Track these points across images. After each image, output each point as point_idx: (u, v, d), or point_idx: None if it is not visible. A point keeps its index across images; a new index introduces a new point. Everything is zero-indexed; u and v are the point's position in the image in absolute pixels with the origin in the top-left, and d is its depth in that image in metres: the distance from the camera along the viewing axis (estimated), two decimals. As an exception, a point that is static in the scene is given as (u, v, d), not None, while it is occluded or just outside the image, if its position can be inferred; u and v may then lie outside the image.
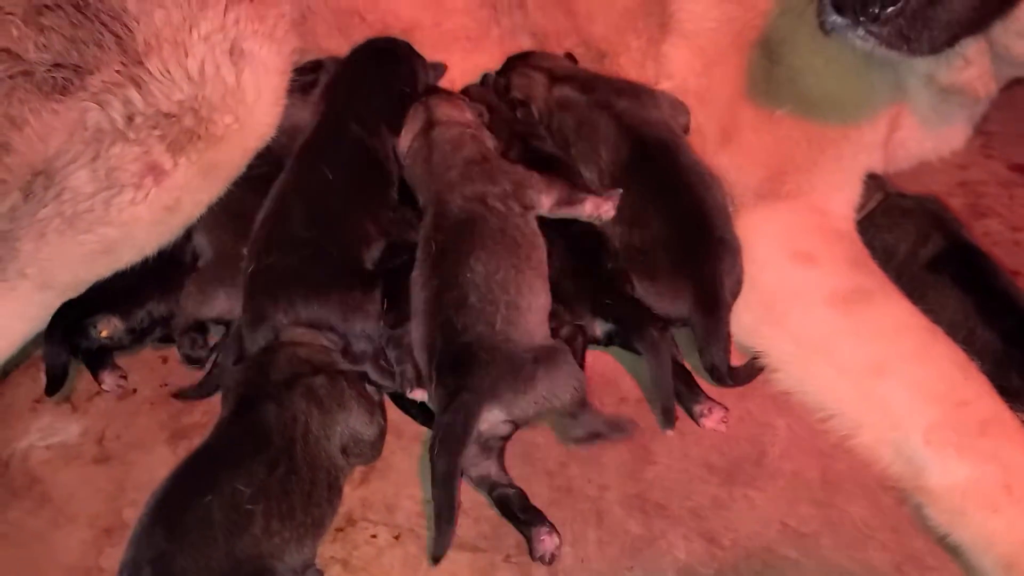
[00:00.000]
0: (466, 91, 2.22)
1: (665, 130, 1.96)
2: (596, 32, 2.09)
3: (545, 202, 1.81)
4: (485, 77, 2.27)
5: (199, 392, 1.76)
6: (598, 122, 1.99)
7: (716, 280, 1.74)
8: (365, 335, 1.66)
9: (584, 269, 1.78)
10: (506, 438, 1.55)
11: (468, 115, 2.01)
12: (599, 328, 1.74)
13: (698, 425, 1.69)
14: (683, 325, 1.76)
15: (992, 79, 1.88)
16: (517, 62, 2.22)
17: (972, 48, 1.78)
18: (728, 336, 1.73)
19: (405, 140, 1.98)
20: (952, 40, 1.57)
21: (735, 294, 1.77)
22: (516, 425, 1.54)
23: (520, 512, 1.50)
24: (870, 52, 1.61)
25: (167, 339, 1.85)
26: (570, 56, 2.23)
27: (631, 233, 1.84)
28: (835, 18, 1.56)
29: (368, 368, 1.68)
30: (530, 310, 1.60)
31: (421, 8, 2.17)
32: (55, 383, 1.76)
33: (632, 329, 1.71)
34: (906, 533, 1.51)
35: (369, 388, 1.68)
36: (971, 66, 1.83)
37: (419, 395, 1.66)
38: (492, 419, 1.50)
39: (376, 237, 1.81)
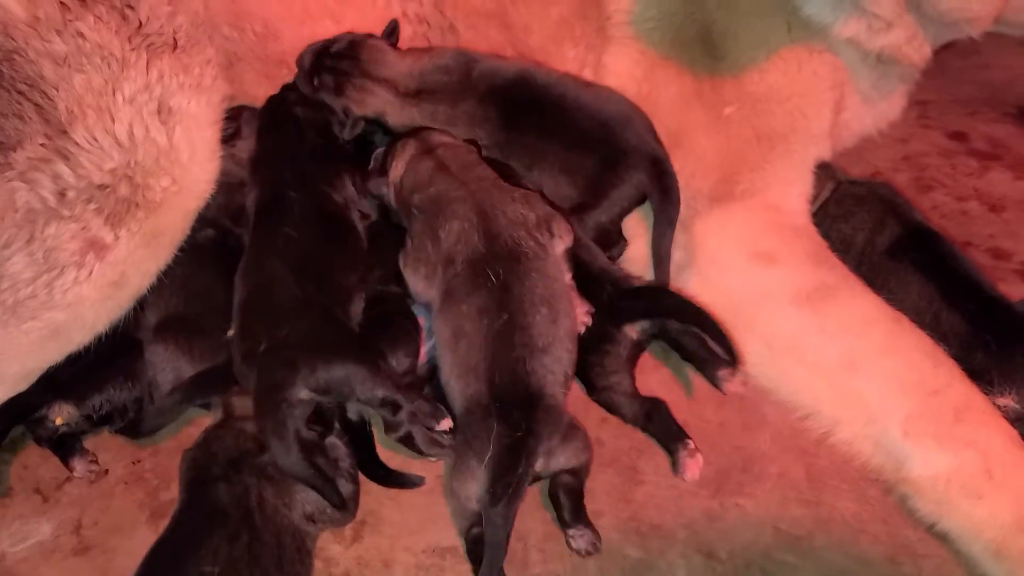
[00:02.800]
0: None
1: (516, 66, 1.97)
2: (533, 43, 2.04)
3: (559, 245, 1.70)
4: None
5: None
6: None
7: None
8: (388, 401, 1.59)
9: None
10: None
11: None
12: (634, 332, 1.73)
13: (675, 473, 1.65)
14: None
15: (924, 43, 1.89)
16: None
17: (885, 6, 1.79)
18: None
19: (397, 170, 1.86)
20: None
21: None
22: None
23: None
24: None
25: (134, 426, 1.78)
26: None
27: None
28: None
29: (416, 435, 1.63)
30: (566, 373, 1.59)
31: (348, 46, 2.10)
32: None
33: (657, 300, 1.76)
34: (895, 524, 1.55)
35: (342, 449, 1.62)
36: (894, 28, 1.84)
37: (446, 424, 1.59)
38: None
39: (358, 290, 1.75)
